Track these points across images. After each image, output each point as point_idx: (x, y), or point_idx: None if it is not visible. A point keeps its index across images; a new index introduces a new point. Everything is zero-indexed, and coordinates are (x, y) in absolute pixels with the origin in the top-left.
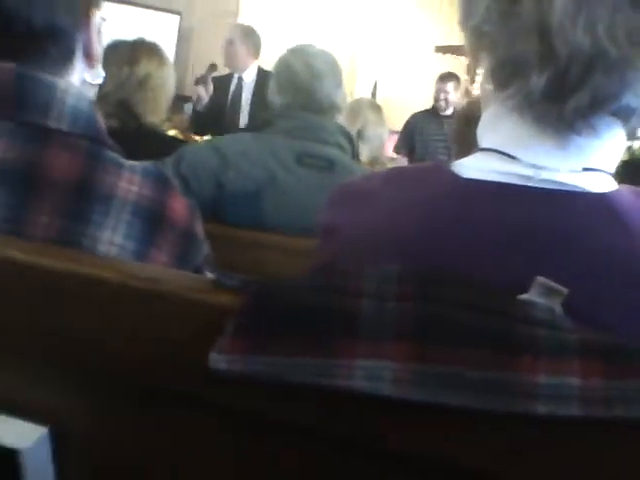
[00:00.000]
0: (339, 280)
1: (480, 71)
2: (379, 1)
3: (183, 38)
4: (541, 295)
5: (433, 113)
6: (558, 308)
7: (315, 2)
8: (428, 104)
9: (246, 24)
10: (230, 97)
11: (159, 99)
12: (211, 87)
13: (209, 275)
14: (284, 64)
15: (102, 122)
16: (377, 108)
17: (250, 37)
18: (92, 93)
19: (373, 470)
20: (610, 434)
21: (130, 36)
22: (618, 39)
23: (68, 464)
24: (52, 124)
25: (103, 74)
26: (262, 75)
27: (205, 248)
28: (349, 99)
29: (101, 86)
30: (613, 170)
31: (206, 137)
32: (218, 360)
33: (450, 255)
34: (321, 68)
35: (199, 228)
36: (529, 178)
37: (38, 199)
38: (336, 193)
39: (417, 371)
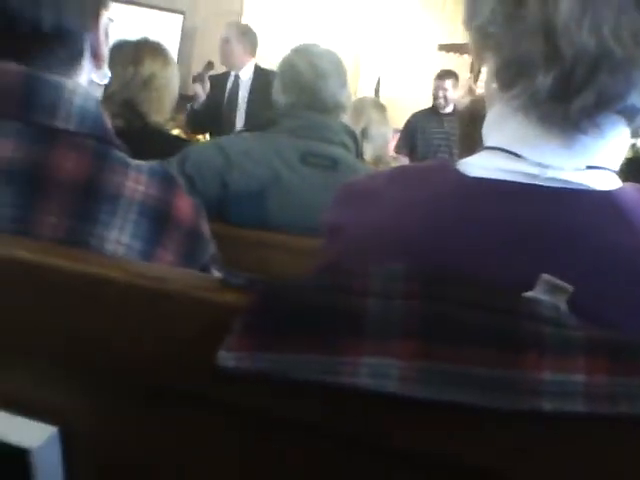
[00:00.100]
0: (344, 279)
1: (484, 70)
2: (382, 0)
3: (186, 37)
4: (546, 293)
5: (433, 112)
6: (563, 305)
7: (319, 1)
8: (431, 102)
9: (242, 22)
10: (227, 95)
11: (163, 99)
12: (208, 85)
13: (216, 274)
14: (288, 64)
15: (109, 122)
16: (381, 107)
17: (246, 35)
18: (99, 93)
19: (378, 467)
20: (615, 431)
21: (134, 36)
22: (623, 40)
23: (77, 463)
24: (60, 124)
25: (110, 74)
26: (259, 73)
27: (211, 247)
28: (353, 98)
29: (106, 86)
30: (617, 168)
31: (202, 135)
32: (226, 358)
33: (455, 254)
34: (325, 68)
35: (205, 227)
36: (535, 176)
37: (46, 199)
38: (341, 192)
39: (423, 369)
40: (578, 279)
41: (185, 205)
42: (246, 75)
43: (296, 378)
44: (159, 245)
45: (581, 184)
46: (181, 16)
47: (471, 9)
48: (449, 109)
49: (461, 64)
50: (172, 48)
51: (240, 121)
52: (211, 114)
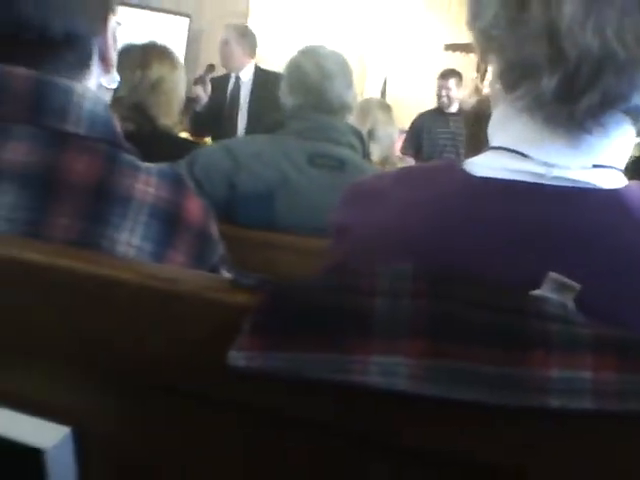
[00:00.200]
0: (352, 279)
1: (490, 70)
2: (387, 0)
3: (193, 40)
4: (553, 291)
5: (439, 112)
6: (570, 303)
7: (324, 3)
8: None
9: (241, 24)
10: (228, 97)
11: (171, 102)
12: (209, 88)
13: (225, 274)
14: (295, 65)
15: (118, 125)
16: (387, 108)
17: (245, 37)
18: (108, 97)
19: (390, 466)
20: (623, 427)
21: (140, 39)
22: (627, 41)
23: (90, 463)
24: (70, 128)
25: (118, 78)
26: (260, 74)
27: (220, 248)
28: (359, 99)
29: (115, 90)
30: (623, 166)
31: (207, 138)
32: (237, 357)
33: (461, 254)
34: (332, 69)
35: (214, 228)
36: (541, 175)
37: (58, 202)
38: (348, 192)
39: (431, 367)
40: (591, 279)
41: (195, 207)
42: (246, 76)
43: (306, 377)
44: (170, 247)
45: (588, 183)
46: (187, 19)
47: (474, 11)
48: (454, 108)
49: (467, 64)
50: (178, 51)
51: (242, 122)
52: (213, 116)
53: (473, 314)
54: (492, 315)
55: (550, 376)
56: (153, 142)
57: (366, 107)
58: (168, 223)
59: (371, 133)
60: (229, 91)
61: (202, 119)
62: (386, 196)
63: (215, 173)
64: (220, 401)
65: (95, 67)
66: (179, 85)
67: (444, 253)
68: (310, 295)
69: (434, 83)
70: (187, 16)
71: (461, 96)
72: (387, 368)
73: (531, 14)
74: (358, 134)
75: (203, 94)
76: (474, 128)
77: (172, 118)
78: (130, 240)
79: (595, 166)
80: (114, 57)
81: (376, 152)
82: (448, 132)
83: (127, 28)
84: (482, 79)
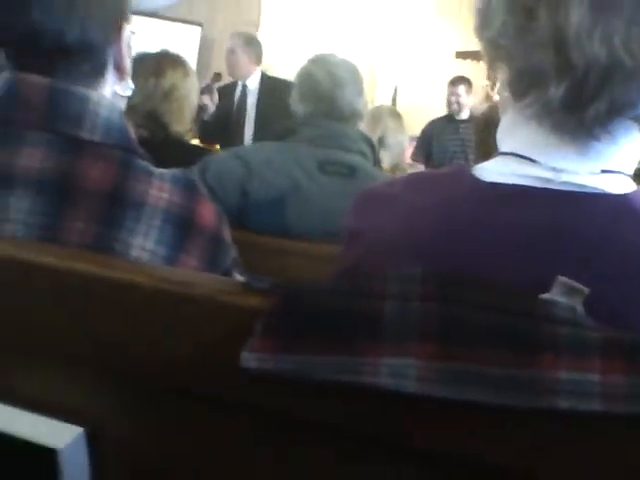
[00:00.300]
0: (364, 282)
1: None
2: (398, 8)
3: (205, 49)
4: (562, 294)
5: (449, 119)
6: (579, 307)
7: (335, 11)
8: (446, 109)
9: (246, 32)
10: (235, 105)
11: (184, 109)
12: (216, 96)
13: (238, 277)
14: (306, 73)
15: (133, 132)
16: (397, 115)
17: (251, 45)
18: (123, 104)
19: (400, 468)
20: (631, 429)
21: (153, 48)
22: (634, 51)
23: (103, 463)
24: (85, 135)
25: (132, 86)
26: (266, 81)
27: (232, 252)
28: (370, 106)
29: (129, 97)
30: (631, 172)
31: (216, 145)
32: (249, 359)
33: (469, 257)
34: (343, 76)
35: (227, 233)
36: (549, 180)
37: (73, 207)
38: (360, 198)
39: (441, 369)
40: (601, 283)
41: (208, 212)
42: (253, 84)
43: (318, 379)
44: (183, 251)
45: (596, 188)
46: (199, 28)
47: (482, 20)
48: (464, 115)
49: (478, 71)
50: (190, 59)
51: (249, 130)
52: (221, 124)
53: (482, 317)
54: (501, 318)
55: (559, 378)
56: (165, 149)
57: (377, 114)
58: (181, 228)
59: (381, 140)
60: (236, 99)
61: (210, 127)
62: (396, 201)
63: (227, 180)
64: (233, 404)
65: (110, 75)
66: (191, 93)
67: (452, 257)
68: (322, 298)
69: (445, 90)
70: (199, 25)
71: (471, 103)
72: (397, 370)
73: (539, 23)
74: (369, 141)
75: (210, 103)
76: (483, 134)
77: (184, 125)
78: (144, 244)
79: (603, 171)
80: (129, 65)
81: (386, 159)
82: (458, 139)
83: (140, 37)
84: (493, 86)
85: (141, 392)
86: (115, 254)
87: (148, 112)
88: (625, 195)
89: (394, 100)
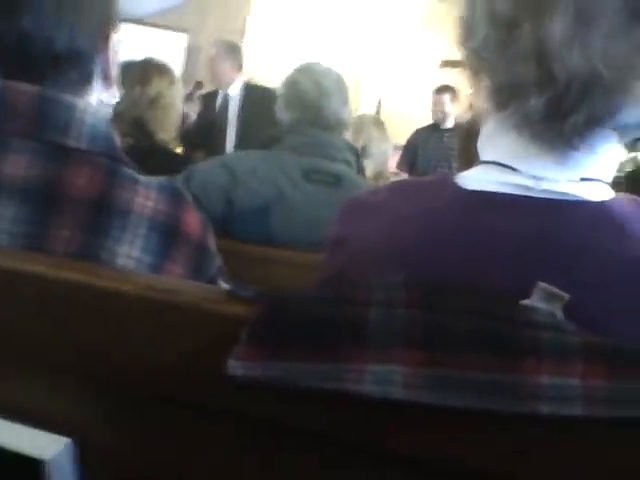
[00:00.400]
0: (348, 290)
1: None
2: (383, 16)
3: (191, 56)
4: (542, 300)
5: (434, 128)
6: (559, 313)
7: (320, 20)
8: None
9: (228, 40)
10: (217, 112)
11: (169, 117)
12: (198, 104)
13: (223, 285)
14: (292, 82)
15: (118, 140)
16: (380, 124)
17: (233, 52)
18: (108, 112)
19: (385, 474)
20: (613, 433)
21: (139, 55)
22: (612, 64)
23: (90, 474)
24: (71, 143)
25: (118, 94)
26: (248, 89)
27: (218, 260)
28: (354, 115)
29: (115, 105)
30: (610, 179)
31: (198, 153)
32: (235, 366)
33: (452, 265)
34: (329, 86)
35: (212, 241)
36: (530, 188)
37: (59, 214)
38: (345, 206)
39: (427, 375)
40: (581, 290)
41: (193, 220)
42: (235, 91)
43: (303, 386)
44: (168, 259)
45: (576, 195)
46: (185, 35)
47: (466, 31)
48: (449, 124)
49: (463, 80)
50: (176, 67)
51: (231, 137)
52: (202, 132)
53: (465, 323)
54: (484, 323)
55: (541, 383)
56: (151, 156)
57: (360, 123)
58: (167, 235)
59: (365, 149)
60: (218, 106)
61: (192, 135)
62: (380, 209)
63: (212, 189)
64: (217, 411)
65: (97, 83)
66: (177, 101)
67: (435, 264)
68: (306, 306)
69: (429, 98)
70: (186, 32)
71: (456, 111)
72: (382, 377)
73: (521, 36)
74: (354, 150)
75: (192, 111)
76: (466, 143)
77: (169, 133)
78: (130, 252)
79: (582, 179)
80: (115, 73)
81: (370, 167)
82: (442, 147)
83: (126, 43)
84: (475, 95)
85: (125, 400)
86: (101, 262)
87: (134, 119)
88: (603, 202)
89: (378, 108)
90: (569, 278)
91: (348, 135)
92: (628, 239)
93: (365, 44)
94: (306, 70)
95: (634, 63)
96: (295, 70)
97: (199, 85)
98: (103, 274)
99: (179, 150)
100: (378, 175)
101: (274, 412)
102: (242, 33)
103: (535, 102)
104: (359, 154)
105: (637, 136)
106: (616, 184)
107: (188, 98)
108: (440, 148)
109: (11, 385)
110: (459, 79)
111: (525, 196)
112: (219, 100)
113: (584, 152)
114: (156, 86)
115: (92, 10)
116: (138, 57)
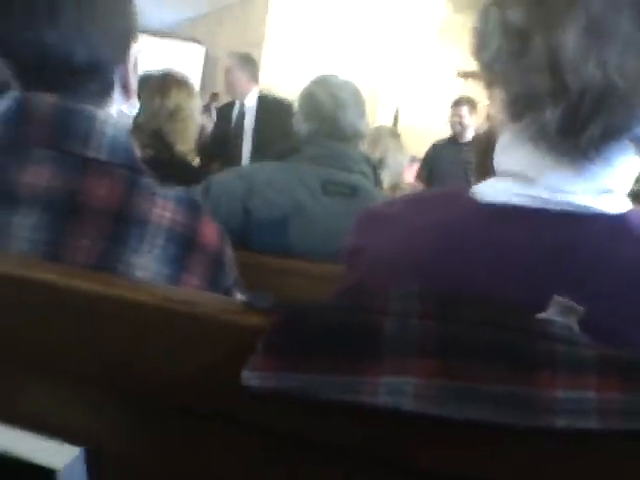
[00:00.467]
0: (365, 300)
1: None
2: (400, 28)
3: (208, 68)
4: (558, 314)
5: (452, 141)
6: (575, 326)
7: (338, 32)
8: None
9: (243, 52)
10: (233, 124)
11: (188, 129)
12: (214, 115)
13: (239, 296)
14: (309, 94)
15: (138, 151)
16: (396, 136)
17: (248, 64)
18: (128, 123)
19: None
20: (628, 446)
21: (157, 66)
22: (628, 75)
23: None
24: (91, 154)
25: (138, 105)
26: (264, 100)
27: (234, 271)
28: (371, 126)
29: (135, 116)
30: (627, 191)
31: (214, 164)
32: (250, 377)
33: (467, 277)
34: (345, 98)
35: (229, 252)
36: (546, 200)
37: (79, 224)
38: (361, 217)
39: (440, 387)
40: (598, 301)
41: (210, 231)
42: (251, 102)
43: (318, 398)
44: (185, 270)
45: (592, 207)
46: (203, 47)
47: (478, 44)
48: (468, 136)
49: (480, 90)
50: (194, 78)
51: (247, 148)
52: (219, 143)
53: (480, 335)
54: (499, 335)
55: (556, 397)
56: (170, 168)
57: (377, 135)
58: (184, 247)
59: (381, 161)
60: (234, 117)
61: (208, 146)
62: (396, 220)
63: (230, 200)
64: (236, 422)
65: (116, 94)
66: (195, 113)
67: (450, 276)
68: (323, 317)
69: (447, 110)
70: (203, 44)
71: (475, 123)
72: (395, 387)
73: (534, 47)
74: (370, 162)
75: (208, 123)
76: (482, 155)
77: (188, 145)
78: (147, 263)
79: (599, 192)
80: (135, 85)
81: (386, 179)
82: (459, 161)
83: (144, 55)
84: (491, 106)
85: (144, 410)
86: (119, 273)
87: (154, 131)
88: (620, 214)
89: (396, 120)
90: (586, 290)
91: (365, 147)
92: None
93: (383, 56)
94: (322, 82)
95: None
96: (311, 82)
97: (215, 97)
98: (121, 284)
99: (197, 161)
100: (395, 186)
101: (293, 424)
102: (260, 45)
103: (550, 114)
104: (375, 166)
105: None
106: (636, 196)
107: (205, 110)
108: (458, 162)
109: (29, 395)
110: (476, 90)
111: (541, 208)
112: (235, 111)
113: (600, 165)
114: (175, 98)
115: (112, 22)
116: (156, 69)
